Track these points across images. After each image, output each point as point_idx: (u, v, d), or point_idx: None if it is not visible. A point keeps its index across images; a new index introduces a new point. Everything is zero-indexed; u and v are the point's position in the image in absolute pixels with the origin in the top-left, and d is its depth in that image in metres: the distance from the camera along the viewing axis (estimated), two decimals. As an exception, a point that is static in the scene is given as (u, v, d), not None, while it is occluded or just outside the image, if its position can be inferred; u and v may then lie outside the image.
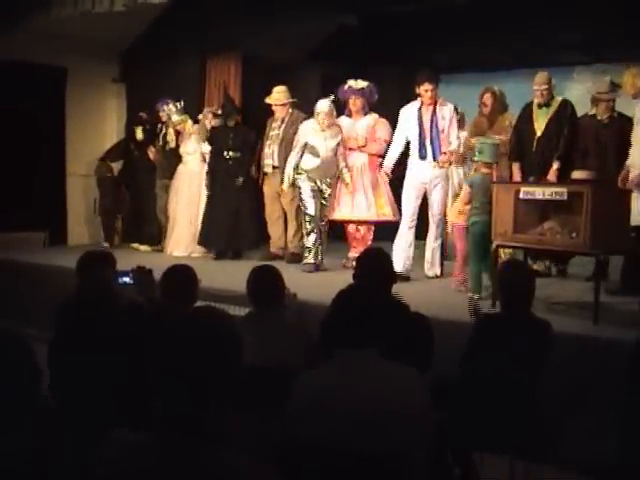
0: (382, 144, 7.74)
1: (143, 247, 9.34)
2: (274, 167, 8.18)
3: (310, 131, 7.52)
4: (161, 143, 9.18)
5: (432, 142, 6.97)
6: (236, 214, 8.35)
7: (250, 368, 2.26)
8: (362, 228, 7.97)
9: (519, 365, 3.60)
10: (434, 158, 6.96)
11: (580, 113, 7.06)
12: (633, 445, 3.14)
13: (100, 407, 3.11)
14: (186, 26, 9.03)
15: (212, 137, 8.55)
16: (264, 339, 3.55)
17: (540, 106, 6.94)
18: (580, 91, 9.10)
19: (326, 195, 7.60)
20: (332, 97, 7.63)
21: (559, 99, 6.96)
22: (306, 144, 7.52)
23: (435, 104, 7.03)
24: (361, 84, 7.79)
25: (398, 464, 2.44)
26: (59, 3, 8.39)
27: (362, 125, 7.80)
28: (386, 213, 7.73)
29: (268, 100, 8.20)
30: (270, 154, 8.22)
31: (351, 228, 8.02)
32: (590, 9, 8.16)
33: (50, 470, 2.06)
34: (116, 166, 10.05)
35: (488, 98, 7.48)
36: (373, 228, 8.00)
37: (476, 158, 6.31)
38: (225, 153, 8.39)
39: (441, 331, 4.01)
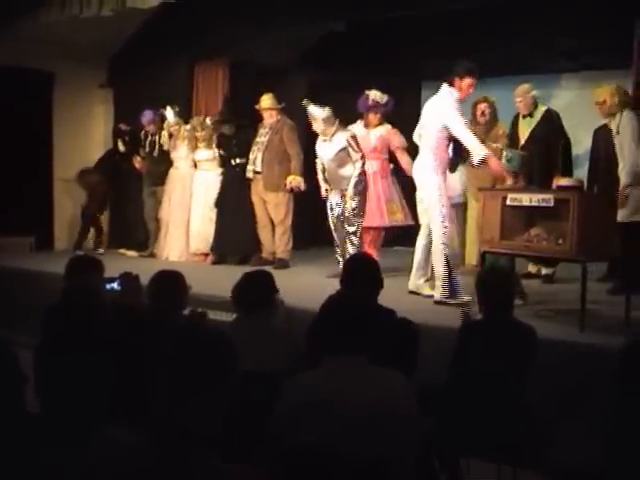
0: (403, 152, 7.77)
1: (130, 253, 9.32)
2: (256, 172, 8.18)
3: (318, 141, 7.48)
4: (147, 150, 9.16)
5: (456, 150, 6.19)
6: (248, 219, 8.35)
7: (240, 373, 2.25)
8: (371, 232, 7.78)
9: (503, 370, 3.61)
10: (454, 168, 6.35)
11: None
12: (621, 451, 3.14)
13: (86, 412, 3.09)
14: (174, 32, 9.02)
15: (219, 147, 8.61)
16: (252, 345, 3.55)
17: (524, 116, 6.98)
18: (568, 98, 9.14)
19: (347, 206, 7.11)
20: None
21: (542, 109, 6.98)
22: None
23: None
24: (385, 98, 7.79)
25: (387, 468, 2.44)
26: (46, 7, 8.36)
27: (375, 135, 7.83)
28: (397, 219, 7.71)
29: (257, 107, 8.22)
30: (253, 160, 8.21)
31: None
32: (578, 17, 8.20)
33: (37, 473, 2.06)
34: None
35: (487, 107, 7.46)
36: (383, 233, 7.95)
37: (505, 166, 6.21)
38: (232, 161, 8.42)
39: (431, 338, 4.01)
